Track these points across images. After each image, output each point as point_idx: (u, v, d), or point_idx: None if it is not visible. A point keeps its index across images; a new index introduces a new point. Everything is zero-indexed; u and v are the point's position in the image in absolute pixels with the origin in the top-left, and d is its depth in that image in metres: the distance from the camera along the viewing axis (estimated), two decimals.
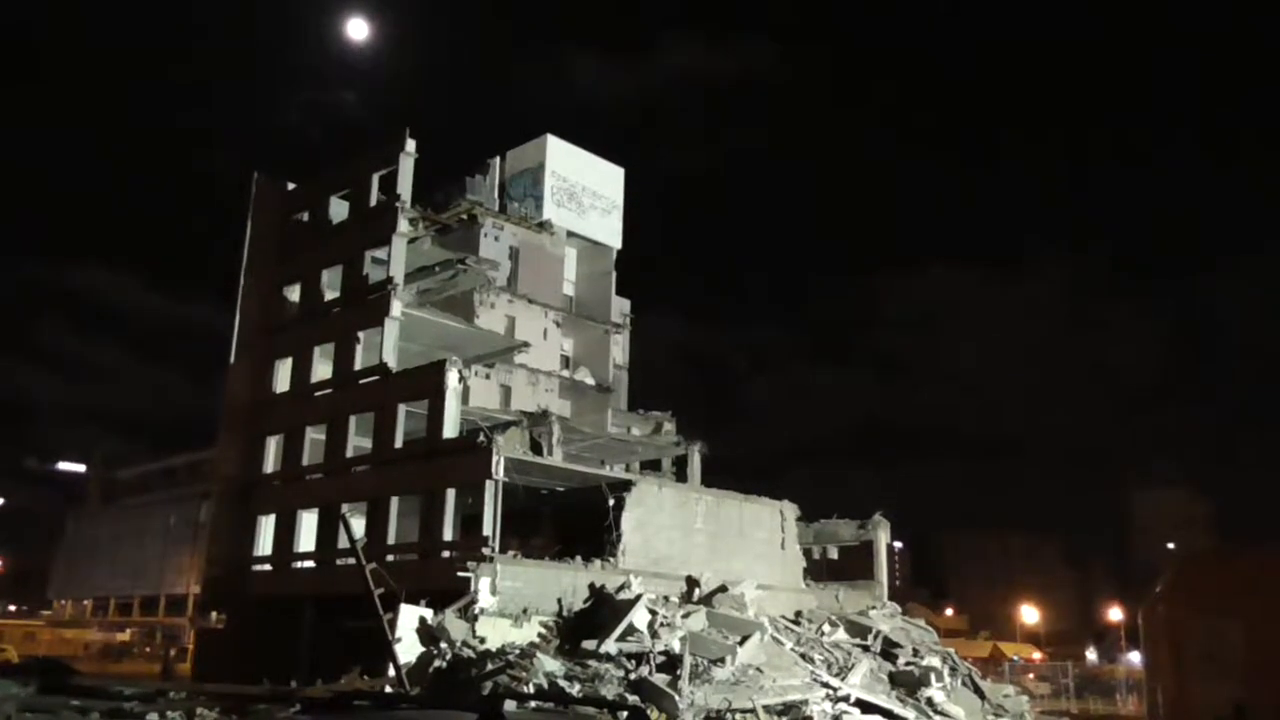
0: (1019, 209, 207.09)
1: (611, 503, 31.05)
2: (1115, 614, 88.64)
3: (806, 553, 38.59)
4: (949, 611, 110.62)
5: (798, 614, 33.24)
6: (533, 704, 18.60)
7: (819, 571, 40.54)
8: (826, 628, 31.81)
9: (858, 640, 31.26)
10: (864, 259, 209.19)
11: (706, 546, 33.37)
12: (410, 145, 35.33)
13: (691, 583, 30.51)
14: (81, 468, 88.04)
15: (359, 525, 31.01)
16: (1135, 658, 60.33)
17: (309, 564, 34.82)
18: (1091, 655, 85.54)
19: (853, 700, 25.60)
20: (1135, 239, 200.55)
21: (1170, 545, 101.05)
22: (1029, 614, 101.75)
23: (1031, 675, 57.13)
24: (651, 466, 45.28)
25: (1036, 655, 78.59)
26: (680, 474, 42.97)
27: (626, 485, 31.99)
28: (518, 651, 23.56)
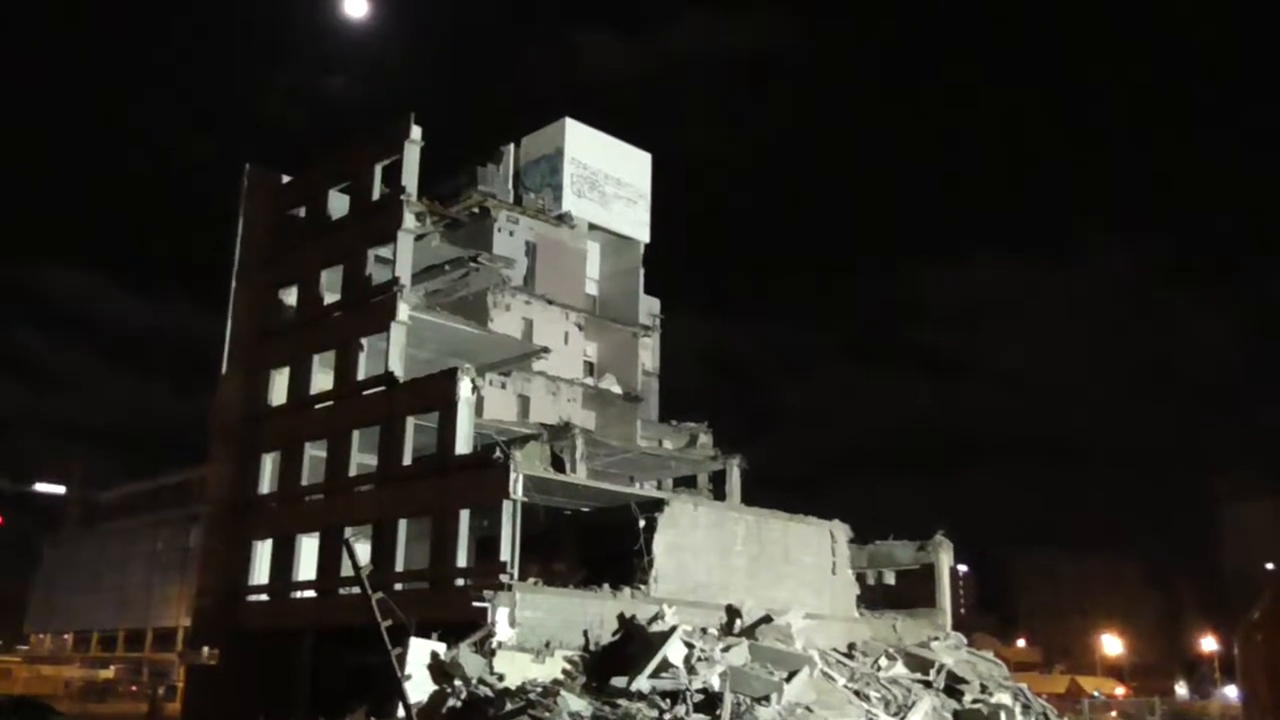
0: (1074, 192, 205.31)
1: (642, 524, 31.06)
2: (1208, 643, 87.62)
3: (860, 578, 38.46)
4: (1020, 642, 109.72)
5: (851, 646, 33.10)
6: None
7: (874, 599, 40.37)
8: (883, 661, 31.69)
9: (918, 675, 31.11)
10: (907, 250, 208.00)
11: (748, 572, 33.32)
12: (415, 132, 35.55)
13: (732, 612, 30.48)
14: (60, 489, 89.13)
15: (364, 550, 31.19)
16: (1231, 692, 59.62)
17: (309, 593, 35.11)
18: (1181, 690, 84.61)
19: None
20: (1204, 222, 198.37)
21: (1269, 565, 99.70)
22: (1110, 644, 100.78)
23: (1114, 713, 56.66)
24: (685, 483, 45.26)
25: (1119, 690, 77.82)
26: (718, 491, 42.96)
27: (658, 504, 32.01)
28: (540, 690, 23.62)
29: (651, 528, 31.04)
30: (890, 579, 41.70)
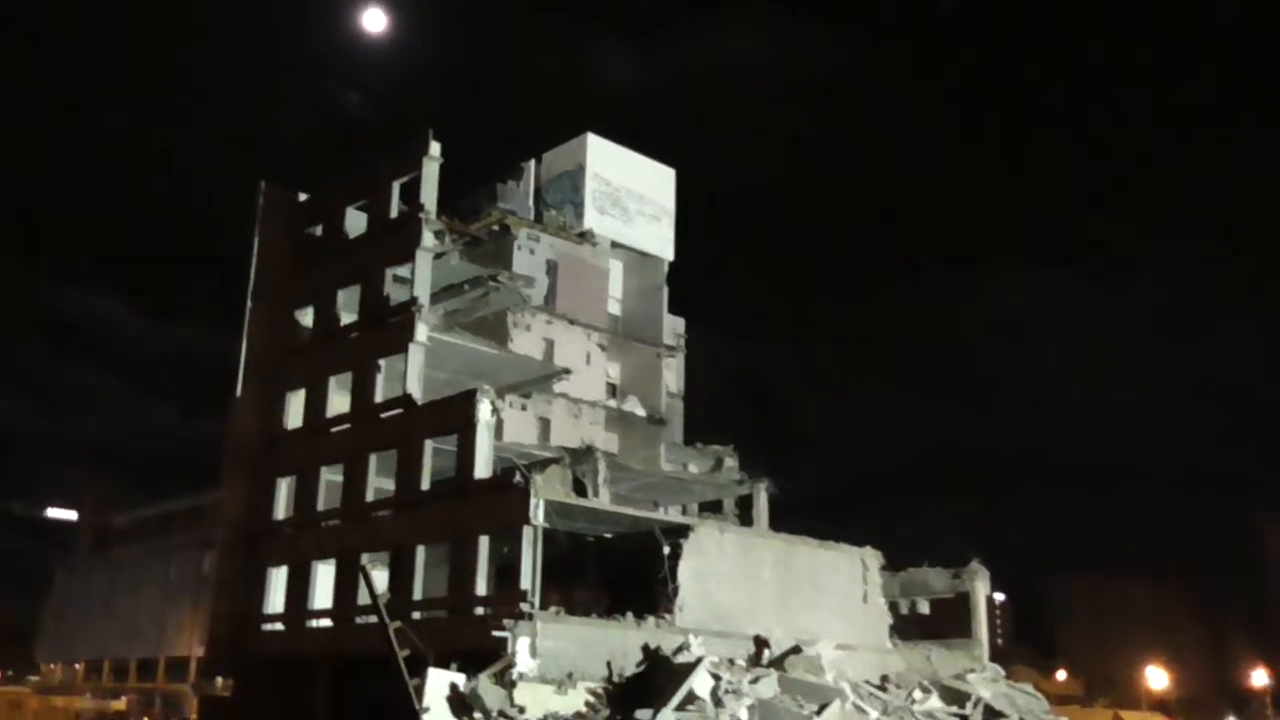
0: (1114, 202, 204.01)
1: (666, 550, 31.02)
2: (1260, 677, 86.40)
3: (893, 606, 38.20)
4: (1060, 674, 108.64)
5: (884, 678, 32.86)
6: None
7: (907, 628, 40.06)
8: (918, 694, 31.43)
9: (954, 709, 30.85)
10: (940, 266, 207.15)
11: (776, 600, 33.16)
12: (435, 148, 35.77)
13: (760, 643, 30.33)
14: (72, 514, 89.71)
15: (381, 578, 31.24)
16: None
17: (325, 622, 35.17)
18: None
19: None
20: (1252, 232, 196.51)
21: None
22: (1156, 677, 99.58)
23: None
24: (711, 508, 45.13)
25: None
26: (745, 517, 42.83)
27: (683, 530, 31.94)
28: None
29: (676, 554, 30.99)
30: (924, 608, 41.38)
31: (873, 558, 36.79)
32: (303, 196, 42.45)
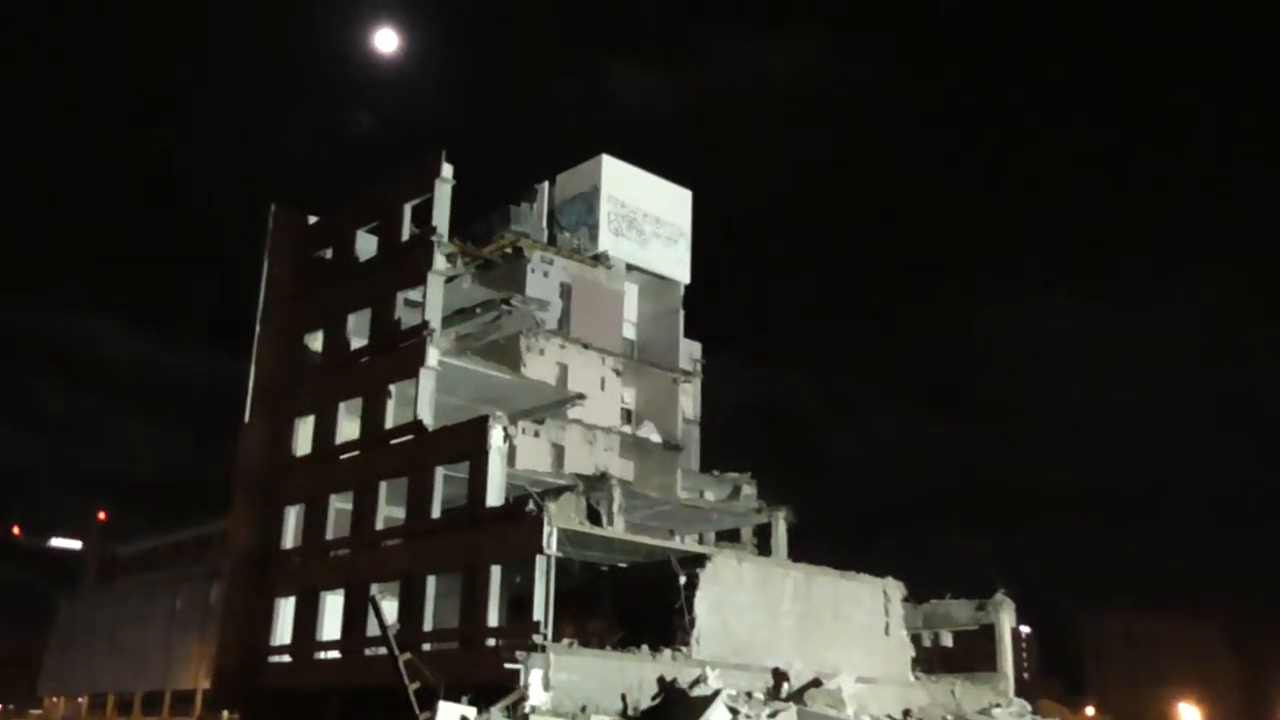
0: (1137, 222, 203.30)
1: (683, 580, 30.98)
2: None
3: (915, 639, 37.99)
4: (1089, 710, 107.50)
5: (906, 712, 32.68)
6: None
7: (930, 661, 39.83)
8: None
9: None
10: (960, 290, 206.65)
11: (796, 632, 33.04)
12: (446, 170, 36.02)
13: (779, 675, 30.18)
14: (76, 543, 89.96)
15: (391, 609, 31.21)
16: None
17: (334, 654, 35.15)
18: None
19: None
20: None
21: None
22: (1188, 713, 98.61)
23: None
24: (729, 537, 45.03)
25: None
26: (763, 546, 42.70)
27: (700, 560, 31.88)
28: None
29: (693, 585, 30.94)
30: (948, 640, 41.16)
31: (895, 589, 36.64)
32: (313, 219, 42.72)
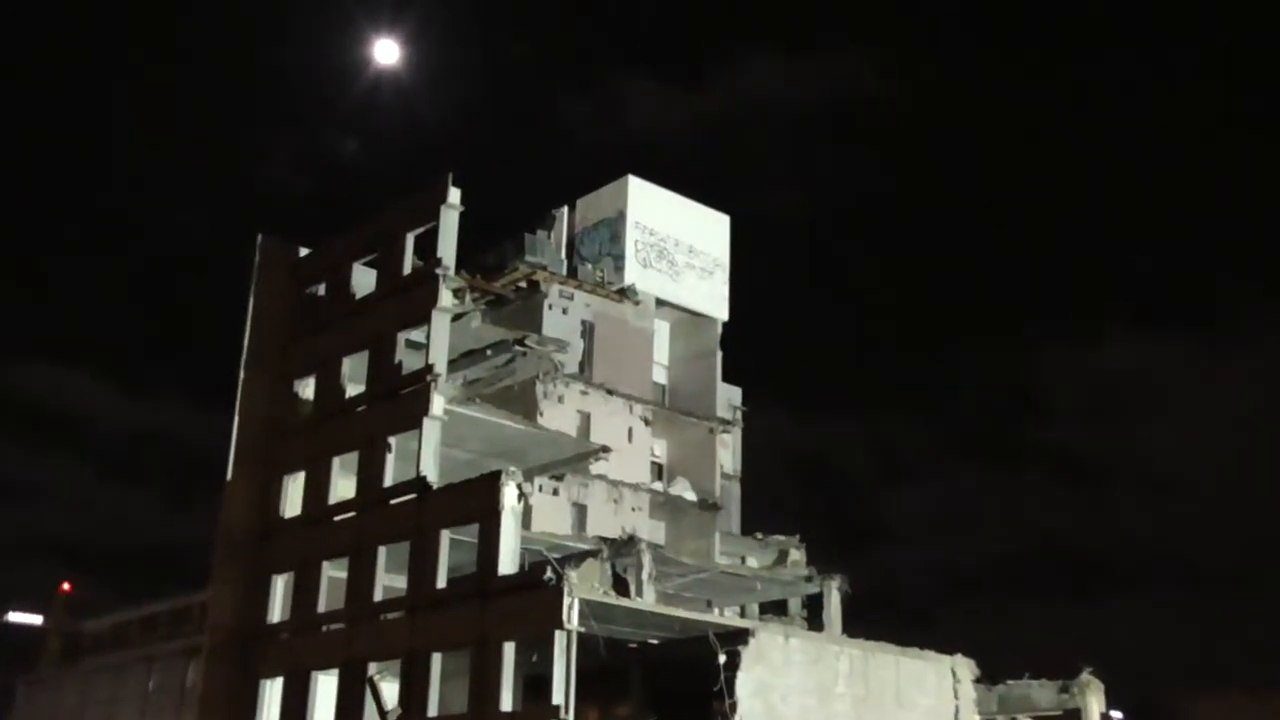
0: (1229, 254, 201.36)
1: (722, 659, 30.81)
2: None
3: None
4: None
5: None
6: None
7: None
8: None
9: None
10: (1028, 330, 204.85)
11: (852, 718, 32.76)
12: (454, 195, 36.21)
13: None
14: (36, 618, 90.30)
15: (391, 691, 31.19)
16: None
17: None
18: None
19: None
20: None
21: None
22: None
23: None
24: (774, 609, 44.82)
25: None
26: (814, 619, 42.44)
27: (742, 635, 31.74)
28: None
29: (734, 664, 30.78)
30: None
31: (965, 668, 36.36)
32: (304, 251, 43.08)
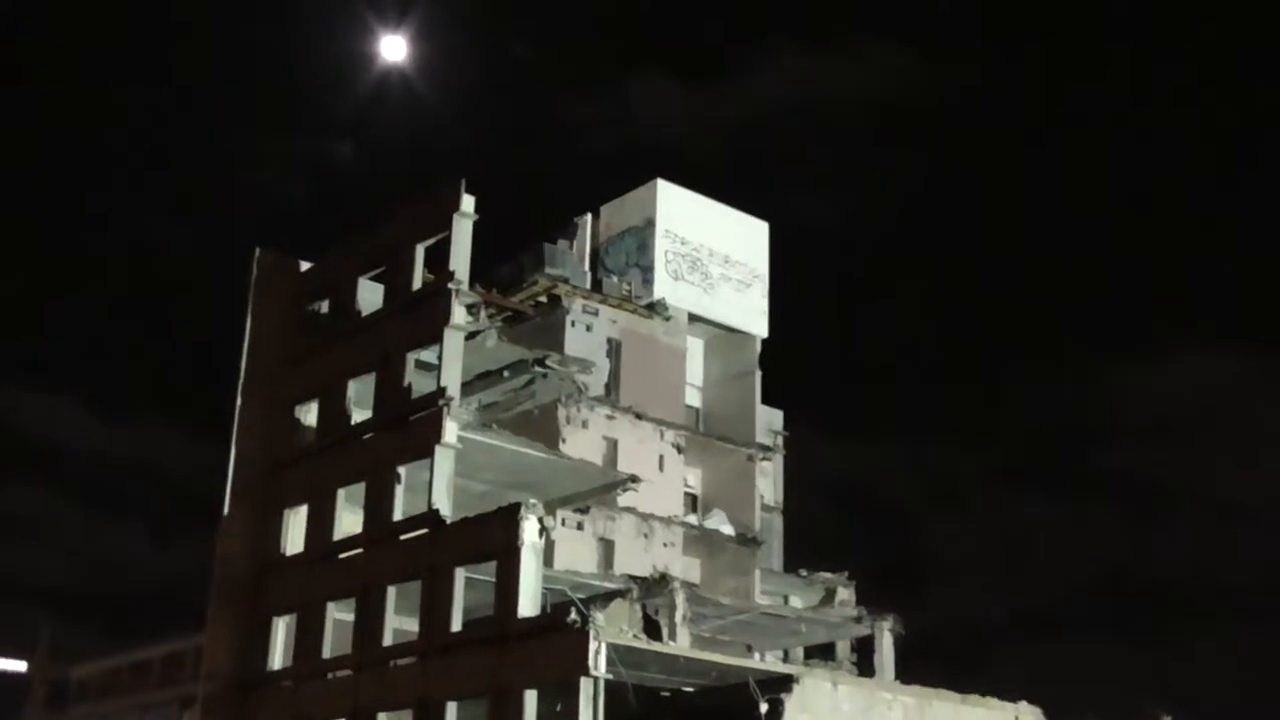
0: None
1: (764, 708, 30.73)
2: None
3: None
4: None
5: None
6: None
7: None
8: None
9: None
10: (1086, 346, 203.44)
11: None
12: (468, 202, 36.26)
13: None
14: (20, 665, 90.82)
15: None
16: None
17: None
18: None
19: None
20: None
21: None
22: None
23: None
24: (821, 653, 44.63)
25: None
26: (864, 664, 42.27)
27: (786, 682, 31.58)
28: None
29: (777, 713, 30.69)
30: None
31: (1030, 715, 36.16)
32: (305, 266, 43.23)
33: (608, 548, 41.82)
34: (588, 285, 45.32)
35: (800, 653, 45.22)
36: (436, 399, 34.84)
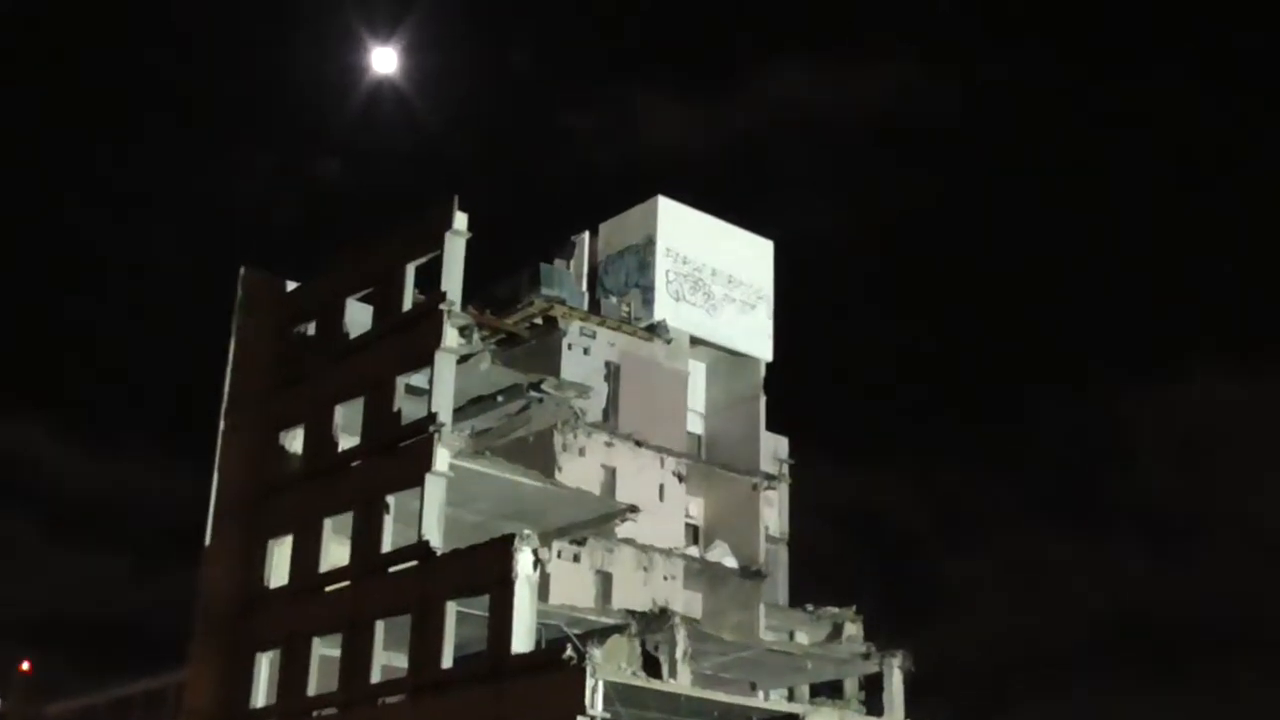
0: None
1: None
2: None
3: None
4: None
5: None
6: None
7: None
8: None
9: None
10: (1105, 368, 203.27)
11: None
12: (460, 220, 36.31)
13: None
14: None
15: None
16: None
17: None
18: None
19: None
20: None
21: None
22: None
23: None
24: (828, 691, 44.39)
25: None
26: (872, 702, 42.04)
27: None
28: None
29: None
30: None
31: None
32: (291, 286, 43.23)
33: (606, 580, 41.68)
34: (585, 306, 45.27)
35: (806, 690, 45.03)
36: (427, 425, 34.84)
